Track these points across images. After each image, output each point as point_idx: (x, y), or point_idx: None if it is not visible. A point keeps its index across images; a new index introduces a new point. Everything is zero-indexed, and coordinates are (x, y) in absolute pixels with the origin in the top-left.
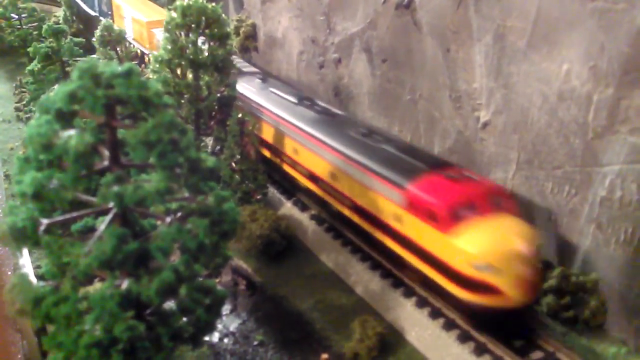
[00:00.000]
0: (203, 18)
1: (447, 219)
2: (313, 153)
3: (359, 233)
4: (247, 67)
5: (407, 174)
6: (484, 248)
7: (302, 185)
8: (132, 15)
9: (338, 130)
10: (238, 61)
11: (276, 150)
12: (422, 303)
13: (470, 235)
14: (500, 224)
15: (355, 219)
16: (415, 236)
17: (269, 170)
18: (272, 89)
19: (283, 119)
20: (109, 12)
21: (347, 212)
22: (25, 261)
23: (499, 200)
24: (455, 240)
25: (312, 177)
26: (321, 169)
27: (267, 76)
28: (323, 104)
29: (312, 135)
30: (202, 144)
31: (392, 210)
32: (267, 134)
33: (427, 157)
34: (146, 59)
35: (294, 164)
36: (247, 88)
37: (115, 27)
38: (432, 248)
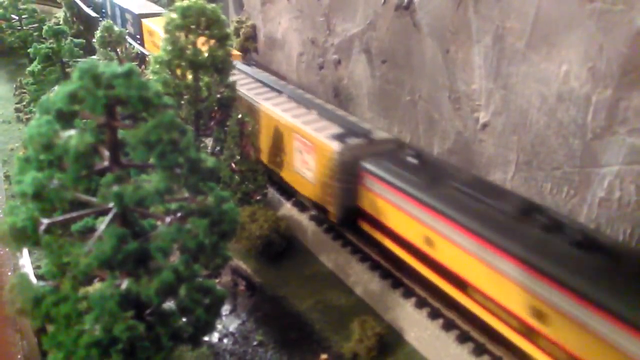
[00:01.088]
0: (203, 19)
1: None
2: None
3: None
4: (378, 133)
5: None
6: None
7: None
8: None
9: None
10: (366, 127)
11: (481, 295)
12: (421, 303)
13: None
14: None
15: None
16: None
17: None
18: (454, 184)
19: (498, 247)
20: (137, 36)
21: None
22: (25, 261)
23: None
24: None
25: None
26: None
27: (421, 152)
28: (581, 228)
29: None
30: (202, 144)
31: None
32: (457, 262)
33: None
34: (146, 59)
35: (530, 333)
36: (403, 177)
37: (116, 28)
38: None
